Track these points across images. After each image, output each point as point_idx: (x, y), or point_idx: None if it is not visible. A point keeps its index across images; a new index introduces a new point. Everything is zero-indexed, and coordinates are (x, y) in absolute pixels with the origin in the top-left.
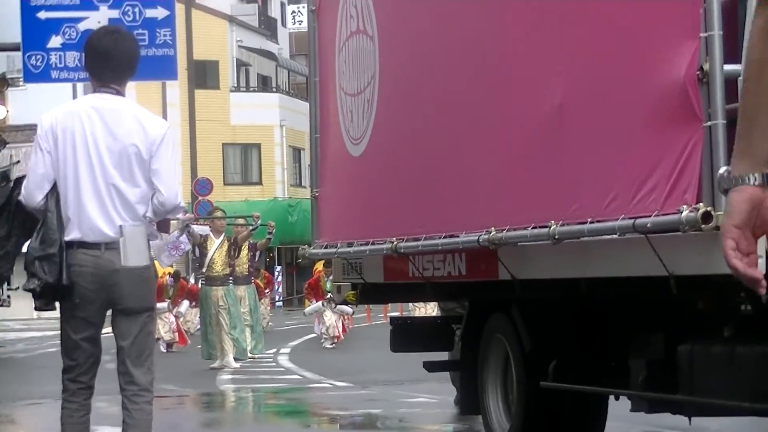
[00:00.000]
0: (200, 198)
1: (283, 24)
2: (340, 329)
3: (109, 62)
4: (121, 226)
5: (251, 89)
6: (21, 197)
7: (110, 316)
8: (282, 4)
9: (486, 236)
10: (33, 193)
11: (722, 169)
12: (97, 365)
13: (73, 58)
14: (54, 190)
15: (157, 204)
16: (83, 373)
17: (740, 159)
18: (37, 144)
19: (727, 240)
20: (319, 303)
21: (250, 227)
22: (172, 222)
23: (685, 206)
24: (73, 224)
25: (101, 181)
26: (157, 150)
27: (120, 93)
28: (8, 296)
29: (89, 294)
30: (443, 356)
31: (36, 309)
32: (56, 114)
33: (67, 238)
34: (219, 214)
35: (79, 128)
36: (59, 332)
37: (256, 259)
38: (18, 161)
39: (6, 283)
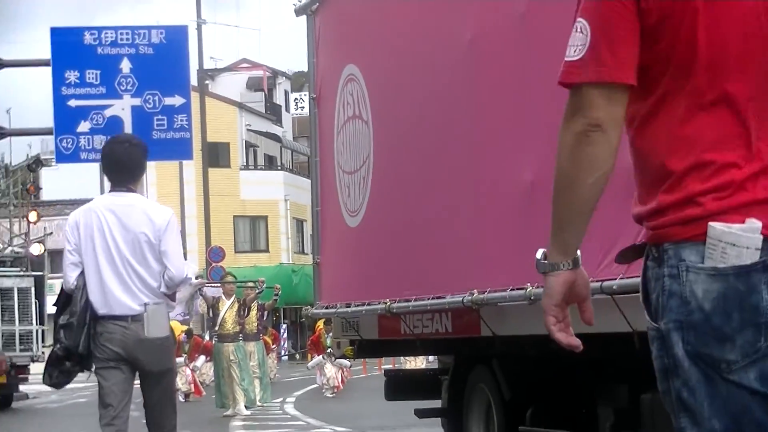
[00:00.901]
0: (213, 264)
1: (287, 110)
2: (340, 380)
3: (121, 168)
4: (146, 304)
5: (258, 167)
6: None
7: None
8: (286, 92)
9: (469, 297)
10: (67, 279)
11: (538, 254)
12: (128, 410)
13: (100, 141)
14: (82, 274)
15: (167, 279)
16: (117, 416)
17: (555, 250)
18: (66, 238)
19: (549, 317)
20: (320, 357)
21: (257, 290)
22: (188, 286)
23: None
24: (99, 302)
25: (120, 265)
26: (163, 235)
27: (131, 190)
28: (42, 352)
29: (119, 354)
30: (433, 404)
31: (49, 384)
32: (79, 213)
33: (100, 312)
34: (229, 278)
35: (97, 224)
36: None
37: (264, 318)
38: (51, 233)
39: (42, 340)
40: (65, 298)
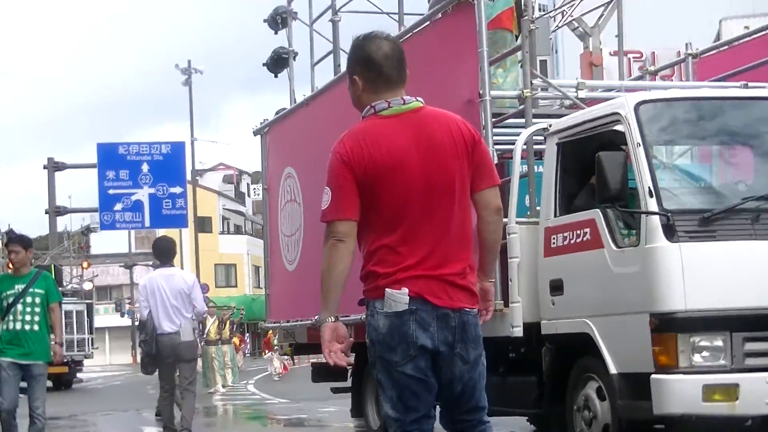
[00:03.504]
0: (202, 295)
1: (249, 195)
2: (282, 368)
3: (165, 254)
4: (180, 323)
5: (230, 233)
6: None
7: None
8: (248, 185)
9: (363, 316)
10: (142, 314)
11: (316, 317)
12: (174, 383)
13: (129, 216)
14: (150, 312)
15: (195, 313)
16: (172, 387)
17: (324, 311)
18: (141, 294)
19: (325, 350)
20: (270, 353)
21: (230, 312)
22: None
23: None
24: (159, 326)
25: (169, 306)
26: (192, 288)
27: (172, 265)
28: (92, 351)
29: (168, 353)
30: (344, 384)
31: (144, 373)
32: (146, 279)
33: (158, 332)
34: (211, 305)
35: (156, 285)
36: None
37: (234, 329)
38: (97, 275)
39: (91, 344)
40: (142, 325)
